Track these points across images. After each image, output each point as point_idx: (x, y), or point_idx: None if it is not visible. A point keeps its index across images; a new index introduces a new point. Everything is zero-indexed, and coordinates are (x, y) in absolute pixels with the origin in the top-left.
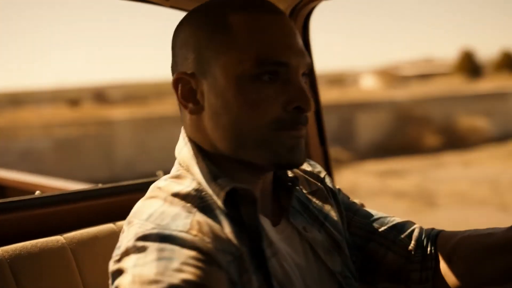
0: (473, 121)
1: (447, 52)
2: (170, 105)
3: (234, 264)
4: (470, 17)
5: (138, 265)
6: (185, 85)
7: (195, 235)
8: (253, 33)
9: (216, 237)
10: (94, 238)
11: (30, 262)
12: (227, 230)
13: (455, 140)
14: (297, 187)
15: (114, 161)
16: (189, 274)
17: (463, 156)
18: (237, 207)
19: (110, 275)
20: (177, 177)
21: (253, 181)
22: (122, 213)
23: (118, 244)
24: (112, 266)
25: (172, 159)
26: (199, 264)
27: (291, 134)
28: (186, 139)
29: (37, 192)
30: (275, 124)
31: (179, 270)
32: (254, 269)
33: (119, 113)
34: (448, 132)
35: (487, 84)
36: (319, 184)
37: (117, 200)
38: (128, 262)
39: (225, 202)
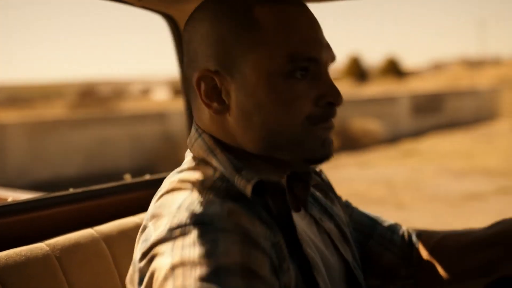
0: (366, 124)
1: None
2: (60, 109)
3: (274, 251)
4: (357, 24)
5: (177, 248)
6: (208, 83)
7: (237, 221)
8: (283, 28)
9: (254, 223)
10: (77, 245)
11: (17, 271)
12: (260, 217)
13: (350, 142)
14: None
15: (5, 167)
16: (235, 256)
17: (358, 157)
18: (263, 197)
19: (136, 273)
20: (195, 169)
21: (278, 175)
22: (97, 217)
23: (144, 238)
24: (138, 263)
25: (70, 163)
26: (244, 247)
27: (323, 126)
28: (200, 130)
29: (10, 198)
30: (308, 121)
31: (225, 253)
32: (290, 257)
33: (4, 116)
34: (343, 135)
35: (373, 89)
36: (318, 178)
37: (90, 205)
38: (165, 248)
39: (252, 193)
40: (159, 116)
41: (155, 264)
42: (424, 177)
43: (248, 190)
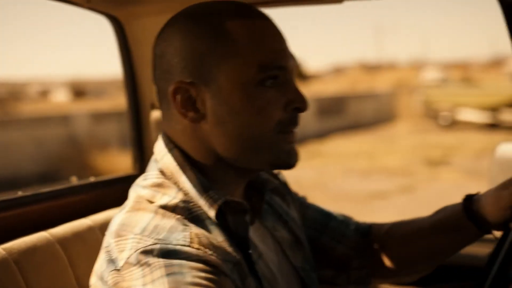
0: None
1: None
2: None
3: (235, 271)
4: None
5: (147, 283)
6: (183, 93)
7: (198, 248)
8: (253, 40)
9: (215, 248)
10: (33, 248)
11: None
12: (220, 239)
13: None
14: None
15: None
16: (203, 286)
17: None
18: (224, 216)
19: (98, 282)
20: (159, 185)
21: (239, 183)
22: (47, 219)
23: (107, 256)
24: (104, 276)
25: None
26: (210, 275)
27: (287, 139)
28: (171, 145)
29: None
30: (277, 127)
31: (193, 283)
32: (249, 272)
33: None
34: None
35: None
36: (276, 181)
37: (40, 208)
38: (135, 281)
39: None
40: (62, 119)
41: None
42: (330, 177)
43: (214, 209)
